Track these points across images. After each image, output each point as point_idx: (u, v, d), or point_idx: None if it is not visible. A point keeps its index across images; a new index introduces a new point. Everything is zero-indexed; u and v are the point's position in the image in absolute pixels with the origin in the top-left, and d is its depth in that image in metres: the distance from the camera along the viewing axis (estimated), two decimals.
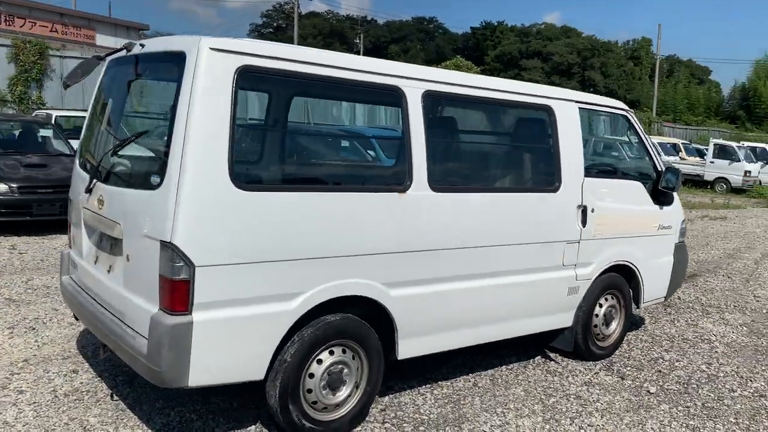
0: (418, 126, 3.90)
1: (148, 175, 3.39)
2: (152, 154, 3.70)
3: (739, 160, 21.21)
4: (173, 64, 3.34)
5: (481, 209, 4.27)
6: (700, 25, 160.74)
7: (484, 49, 70.44)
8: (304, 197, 3.50)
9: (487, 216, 4.30)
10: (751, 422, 4.41)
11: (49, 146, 10.61)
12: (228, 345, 3.33)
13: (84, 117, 14.75)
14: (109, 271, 3.75)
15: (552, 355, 5.37)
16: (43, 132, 10.62)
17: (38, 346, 4.91)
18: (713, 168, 21.88)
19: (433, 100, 4.04)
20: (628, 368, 5.25)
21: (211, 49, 3.19)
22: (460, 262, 4.18)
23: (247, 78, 3.30)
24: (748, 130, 46.77)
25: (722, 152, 21.82)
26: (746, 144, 22.78)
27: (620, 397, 4.67)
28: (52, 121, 12.93)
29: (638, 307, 5.66)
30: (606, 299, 5.30)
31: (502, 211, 4.39)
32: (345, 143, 5.35)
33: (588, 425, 4.19)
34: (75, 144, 10.89)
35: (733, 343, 6.08)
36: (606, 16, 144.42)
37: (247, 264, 3.30)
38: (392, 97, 3.89)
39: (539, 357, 5.32)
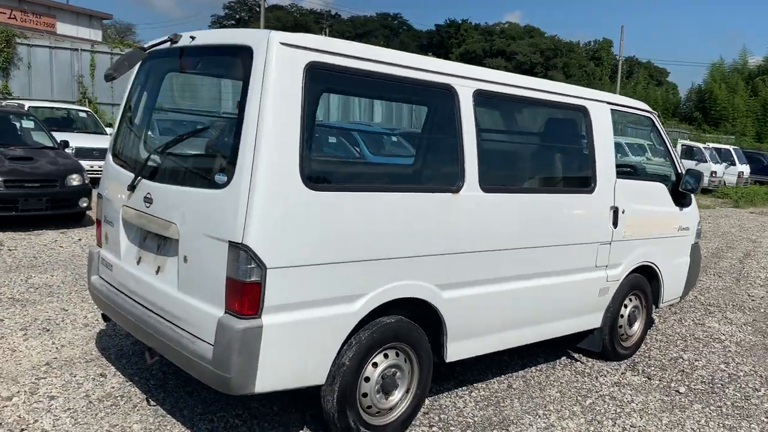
0: (470, 125, 3.86)
1: (211, 173, 3.28)
2: (215, 152, 3.56)
3: (706, 161, 21.75)
4: (237, 58, 3.23)
5: (526, 210, 4.25)
6: (659, 28, 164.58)
7: (449, 46, 70.82)
8: (369, 197, 3.42)
9: (531, 216, 4.28)
10: None
11: (31, 138, 10.21)
12: (294, 349, 3.23)
13: (55, 108, 14.31)
14: (157, 272, 3.60)
15: (576, 355, 5.39)
16: (24, 123, 10.21)
17: (57, 348, 4.71)
18: None
19: (482, 100, 3.99)
20: (652, 368, 5.30)
21: (281, 43, 3.07)
22: (507, 263, 4.15)
23: (315, 75, 3.20)
24: (705, 131, 47.99)
25: (689, 153, 22.37)
26: (711, 145, 23.39)
27: (652, 397, 4.71)
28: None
29: (657, 307, 5.72)
30: (630, 300, 5.34)
31: (546, 211, 4.38)
32: (404, 143, 5.28)
33: (630, 426, 4.21)
34: (57, 136, 10.54)
35: (743, 342, 6.20)
36: (566, 15, 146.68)
37: (315, 265, 3.20)
38: (444, 96, 3.83)
39: (564, 357, 5.34)
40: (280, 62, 3.06)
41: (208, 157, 3.72)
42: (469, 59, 65.82)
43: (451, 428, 3.99)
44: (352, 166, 3.98)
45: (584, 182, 4.72)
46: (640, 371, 5.21)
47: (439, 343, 3.94)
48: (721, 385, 5.06)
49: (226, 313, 3.10)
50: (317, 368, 3.35)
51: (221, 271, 3.09)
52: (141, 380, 4.27)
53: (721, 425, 4.35)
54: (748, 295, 8.21)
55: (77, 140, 12.49)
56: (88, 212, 9.57)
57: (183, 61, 3.70)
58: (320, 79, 3.27)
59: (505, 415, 4.21)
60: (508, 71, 4.60)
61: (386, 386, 3.69)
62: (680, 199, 5.60)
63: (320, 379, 3.39)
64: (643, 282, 5.40)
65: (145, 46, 3.88)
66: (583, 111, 4.71)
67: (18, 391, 3.98)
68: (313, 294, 3.23)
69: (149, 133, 4.03)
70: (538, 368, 5.08)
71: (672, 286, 5.70)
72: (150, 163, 3.75)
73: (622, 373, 5.12)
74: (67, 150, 10.31)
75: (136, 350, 4.73)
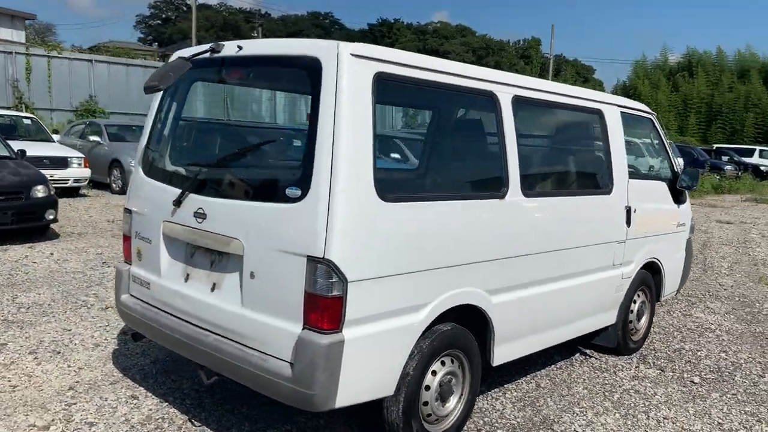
0: (511, 131, 3.92)
1: (281, 187, 3.21)
2: (284, 165, 3.46)
3: (644, 156, 22.69)
4: (301, 70, 3.18)
5: (560, 212, 4.34)
6: (585, 27, 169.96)
7: (382, 46, 71.18)
8: (432, 206, 3.42)
9: (564, 218, 4.38)
10: None
11: None
12: (371, 362, 3.20)
13: None
14: (212, 289, 3.50)
15: (588, 351, 5.53)
16: None
17: (74, 371, 4.49)
18: None
19: (519, 105, 4.05)
20: (661, 360, 5.50)
21: (351, 54, 3.04)
22: (545, 265, 4.23)
23: (382, 85, 3.18)
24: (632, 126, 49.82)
25: (631, 149, 23.26)
26: (646, 140, 24.33)
27: (672, 388, 4.89)
28: None
29: (658, 301, 5.94)
30: (638, 295, 5.53)
31: (576, 213, 4.49)
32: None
33: (663, 418, 4.36)
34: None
35: (732, 331, 6.51)
36: (493, 15, 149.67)
37: (388, 277, 3.18)
38: (487, 103, 3.88)
39: (578, 354, 5.47)
40: (351, 73, 3.03)
41: (277, 170, 3.63)
42: None
43: (498, 431, 4.04)
44: (412, 175, 3.96)
45: (604, 183, 4.86)
46: (652, 364, 5.40)
47: (485, 348, 3.99)
48: (728, 373, 5.30)
49: (305, 328, 3.05)
50: (388, 379, 3.33)
51: (297, 285, 3.04)
52: (176, 400, 4.13)
53: (742, 412, 4.56)
54: (719, 285, 8.62)
55: (26, 149, 11.91)
56: (52, 225, 9.16)
57: (229, 71, 3.61)
58: (386, 90, 3.24)
59: (544, 415, 4.29)
60: None
61: (443, 393, 3.71)
62: (678, 197, 5.84)
63: (390, 391, 3.37)
64: (649, 277, 5.60)
65: (185, 55, 3.72)
66: (600, 114, 4.85)
67: (52, 420, 3.78)
68: (387, 305, 3.21)
69: (198, 145, 3.88)
70: (558, 366, 5.19)
71: (671, 280, 5.93)
72: (201, 177, 3.64)
73: (636, 367, 5.29)
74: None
75: (159, 369, 4.57)
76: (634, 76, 58.40)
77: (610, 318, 5.17)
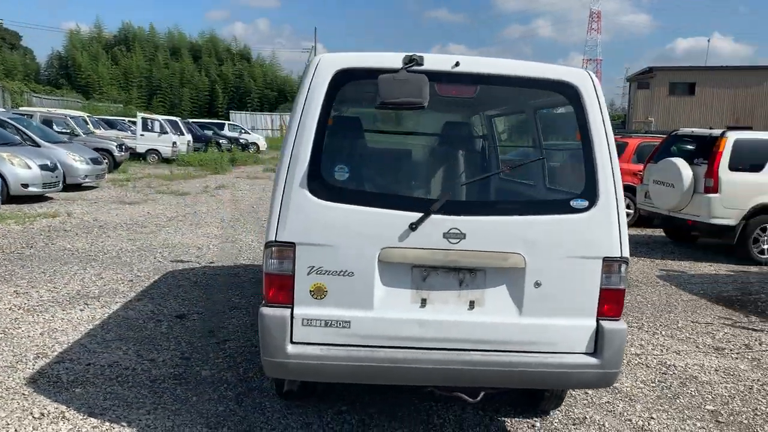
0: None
1: (564, 200, 3.52)
2: (558, 180, 3.84)
3: (167, 132, 24.78)
4: (559, 94, 3.61)
5: None
6: None
7: None
8: None
9: None
10: None
11: None
12: None
13: None
14: (471, 307, 3.47)
15: None
16: None
17: None
18: (144, 141, 24.25)
19: None
20: None
21: (592, 78, 3.56)
22: None
23: None
24: (69, 94, 48.81)
25: (147, 126, 24.75)
26: (162, 118, 26.34)
27: None
28: None
29: None
30: None
31: None
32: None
33: None
34: None
35: None
36: None
37: None
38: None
39: None
40: (601, 94, 3.53)
41: (552, 185, 3.86)
42: None
43: None
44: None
45: None
46: None
47: None
48: None
49: (599, 320, 3.48)
50: None
51: (591, 284, 3.45)
52: None
53: None
54: None
55: None
56: None
57: (447, 87, 3.57)
58: None
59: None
60: None
61: None
62: None
63: None
64: None
65: (407, 68, 3.35)
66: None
67: None
68: None
69: (423, 162, 4.21)
70: None
71: None
72: (452, 197, 3.58)
73: None
74: None
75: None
76: (71, 47, 57.87)
77: None
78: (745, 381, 5.12)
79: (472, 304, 3.46)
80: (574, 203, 3.43)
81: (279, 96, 61.34)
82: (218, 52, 63.63)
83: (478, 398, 3.68)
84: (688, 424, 4.29)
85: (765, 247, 9.63)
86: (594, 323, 3.47)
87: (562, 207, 3.47)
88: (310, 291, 3.40)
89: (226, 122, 38.92)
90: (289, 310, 3.39)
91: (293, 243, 3.37)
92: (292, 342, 3.39)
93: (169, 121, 25.98)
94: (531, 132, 4.52)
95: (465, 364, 3.41)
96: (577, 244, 3.42)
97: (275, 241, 3.36)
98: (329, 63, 3.43)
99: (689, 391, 4.85)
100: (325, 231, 3.37)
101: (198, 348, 5.22)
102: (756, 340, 6.15)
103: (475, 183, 3.95)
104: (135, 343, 5.24)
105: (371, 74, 3.34)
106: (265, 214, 12.78)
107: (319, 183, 3.39)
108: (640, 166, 12.00)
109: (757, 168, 9.52)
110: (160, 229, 10.65)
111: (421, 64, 3.35)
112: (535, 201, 3.71)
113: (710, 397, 4.78)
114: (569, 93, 3.51)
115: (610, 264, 3.43)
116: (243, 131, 36.73)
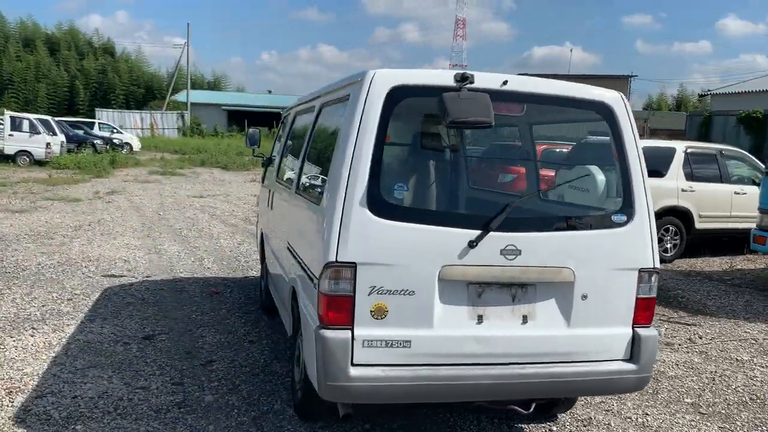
0: None
1: (606, 215, 3.73)
2: (598, 196, 3.90)
3: (40, 133, 22.64)
4: (591, 111, 3.81)
5: None
6: None
7: None
8: None
9: None
10: None
11: None
12: None
13: None
14: (524, 322, 3.56)
15: None
16: None
17: None
18: (14, 141, 22.06)
19: None
20: None
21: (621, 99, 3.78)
22: None
23: None
24: None
25: (16, 125, 22.56)
26: (34, 117, 24.03)
27: None
28: None
29: None
30: None
31: None
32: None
33: None
34: None
35: None
36: None
37: None
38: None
39: None
40: (632, 114, 3.77)
41: (595, 201, 3.92)
42: None
43: None
44: None
45: None
46: None
47: None
48: None
49: (634, 327, 3.69)
50: None
51: (628, 294, 3.66)
52: None
53: None
54: None
55: None
56: None
57: (498, 105, 3.43)
58: None
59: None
60: None
61: None
62: None
63: None
64: None
65: (463, 85, 3.36)
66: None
67: None
68: None
69: (480, 180, 4.42)
70: None
71: None
72: (509, 214, 3.48)
73: None
74: None
75: None
76: None
77: None
78: (705, 373, 5.56)
79: (525, 319, 3.56)
80: (615, 218, 3.65)
81: (147, 93, 58.47)
82: (78, 45, 59.77)
83: (531, 409, 3.80)
84: (678, 418, 4.62)
85: (668, 245, 10.52)
86: (630, 331, 3.68)
87: (605, 222, 3.67)
88: (371, 311, 3.33)
89: (96, 121, 36.56)
90: (350, 331, 3.31)
91: (354, 263, 3.29)
92: (353, 364, 3.30)
93: (41, 120, 23.99)
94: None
95: (521, 377, 3.50)
96: (617, 257, 3.63)
97: (336, 261, 3.28)
98: (384, 79, 3.42)
99: (664, 387, 5.20)
100: (386, 250, 3.32)
101: (185, 372, 4.94)
102: (695, 334, 6.69)
103: (527, 199, 4.09)
104: (114, 370, 4.87)
105: (425, 91, 3.43)
106: (176, 222, 12.28)
107: (380, 201, 3.33)
108: None
109: (658, 174, 10.30)
110: (71, 241, 9.90)
111: (473, 83, 3.37)
112: (582, 217, 3.82)
113: (684, 390, 5.16)
114: (605, 112, 3.72)
115: (644, 275, 3.66)
116: (115, 131, 34.68)
